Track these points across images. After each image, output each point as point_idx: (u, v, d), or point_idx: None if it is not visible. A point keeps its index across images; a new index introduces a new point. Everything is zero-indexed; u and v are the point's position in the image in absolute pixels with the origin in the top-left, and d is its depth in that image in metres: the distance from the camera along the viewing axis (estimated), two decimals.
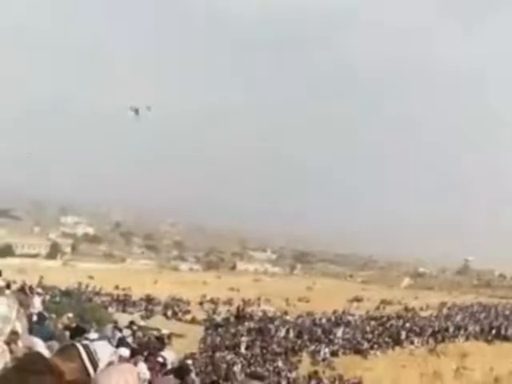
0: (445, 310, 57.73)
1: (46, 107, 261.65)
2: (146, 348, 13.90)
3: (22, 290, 7.20)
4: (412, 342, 44.62)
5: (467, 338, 45.97)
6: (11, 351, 3.07)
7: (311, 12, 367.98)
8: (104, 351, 3.36)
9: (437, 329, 47.06)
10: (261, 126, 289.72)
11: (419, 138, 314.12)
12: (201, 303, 62.64)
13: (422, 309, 58.56)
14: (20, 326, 4.41)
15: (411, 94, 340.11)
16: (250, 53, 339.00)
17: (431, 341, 44.95)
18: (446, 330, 47.07)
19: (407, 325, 48.42)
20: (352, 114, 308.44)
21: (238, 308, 57.34)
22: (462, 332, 46.77)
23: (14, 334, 3.23)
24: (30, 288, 8.10)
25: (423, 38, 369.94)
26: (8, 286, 8.01)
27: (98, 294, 58.91)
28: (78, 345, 3.14)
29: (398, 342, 44.51)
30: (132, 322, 19.36)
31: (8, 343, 3.08)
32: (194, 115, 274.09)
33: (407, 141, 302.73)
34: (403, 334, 45.43)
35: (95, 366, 3.11)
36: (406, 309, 59.35)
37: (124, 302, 56.44)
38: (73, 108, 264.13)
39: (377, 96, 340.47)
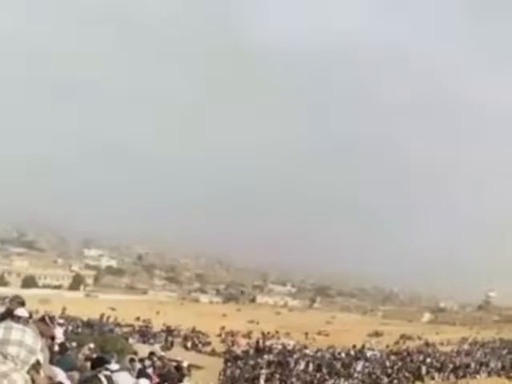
0: (466, 346, 57.05)
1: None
2: (166, 379, 14.41)
3: (42, 320, 7.62)
4: (433, 378, 43.97)
5: (489, 374, 45.31)
6: (33, 381, 3.00)
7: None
8: (125, 382, 3.71)
9: (458, 364, 46.51)
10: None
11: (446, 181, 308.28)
12: (220, 335, 62.78)
13: (442, 344, 57.98)
14: (42, 356, 4.40)
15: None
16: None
17: (452, 376, 44.40)
18: (468, 365, 46.44)
19: (428, 360, 47.89)
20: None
21: (257, 341, 57.31)
22: (483, 368, 46.14)
23: (36, 364, 3.06)
24: (51, 318, 8.55)
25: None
26: (30, 317, 8.48)
27: (119, 325, 59.40)
28: (101, 376, 3.38)
29: (418, 377, 43.85)
30: (152, 353, 19.65)
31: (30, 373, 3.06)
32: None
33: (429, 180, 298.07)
34: (424, 369, 44.82)
35: None
36: (427, 344, 58.74)
37: (145, 333, 56.84)
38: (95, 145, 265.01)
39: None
